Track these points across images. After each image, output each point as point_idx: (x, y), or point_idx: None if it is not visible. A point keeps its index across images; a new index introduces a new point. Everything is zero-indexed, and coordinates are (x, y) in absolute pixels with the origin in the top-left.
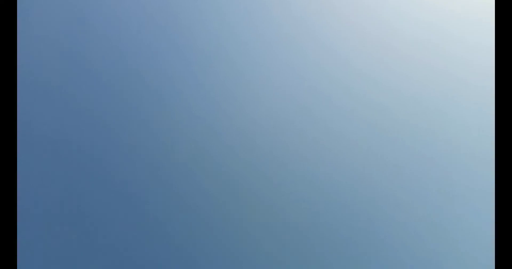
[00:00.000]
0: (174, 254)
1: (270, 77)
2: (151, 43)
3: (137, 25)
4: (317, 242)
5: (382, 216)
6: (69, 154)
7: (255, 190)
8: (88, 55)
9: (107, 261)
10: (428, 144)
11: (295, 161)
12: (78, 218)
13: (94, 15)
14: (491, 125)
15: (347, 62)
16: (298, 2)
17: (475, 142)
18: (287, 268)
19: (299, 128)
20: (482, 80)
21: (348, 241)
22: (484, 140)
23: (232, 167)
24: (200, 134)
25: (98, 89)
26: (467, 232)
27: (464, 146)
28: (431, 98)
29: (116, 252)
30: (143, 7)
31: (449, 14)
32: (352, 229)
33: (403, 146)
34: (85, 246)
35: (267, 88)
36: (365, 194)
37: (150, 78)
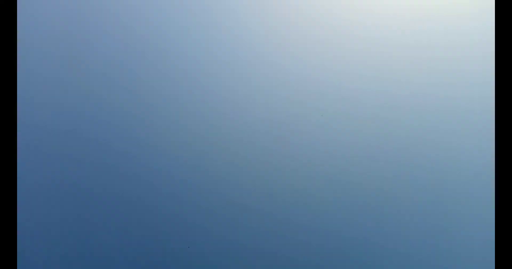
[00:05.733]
0: (173, 253)
1: (270, 78)
2: (151, 42)
3: (136, 25)
4: (317, 242)
5: (382, 216)
6: (69, 154)
7: (256, 190)
8: (87, 55)
9: (107, 261)
10: (428, 144)
11: (294, 161)
12: (78, 218)
13: (94, 14)
14: (491, 125)
15: (344, 62)
16: (298, 2)
17: (475, 142)
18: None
19: (300, 129)
20: (482, 80)
21: (348, 241)
22: (484, 140)
23: (234, 167)
24: (200, 135)
25: (97, 88)
26: (467, 232)
27: (464, 146)
28: (431, 98)
29: (116, 252)
30: (143, 7)
31: (449, 13)
32: (351, 229)
33: (403, 146)
34: (85, 246)
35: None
36: (365, 194)
37: (150, 77)
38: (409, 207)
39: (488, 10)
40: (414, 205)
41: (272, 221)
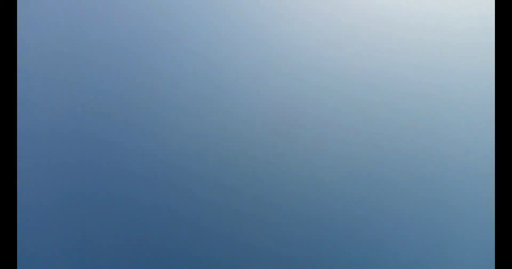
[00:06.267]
0: (172, 253)
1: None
2: (150, 42)
3: (136, 25)
4: (318, 242)
5: (382, 216)
6: (68, 154)
7: (256, 190)
8: (87, 55)
9: (106, 260)
10: (428, 144)
11: (295, 161)
12: (78, 217)
13: (94, 15)
14: (491, 125)
15: (345, 61)
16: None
17: (475, 142)
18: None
19: (301, 128)
20: (482, 80)
21: (348, 241)
22: (484, 140)
23: (234, 168)
24: (199, 135)
25: (97, 88)
26: (467, 232)
27: (464, 146)
28: (431, 98)
29: (116, 252)
30: (143, 7)
31: (450, 14)
32: (351, 229)
33: (403, 147)
34: (85, 245)
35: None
36: (365, 194)
37: (149, 77)
38: (409, 207)
39: (488, 10)
40: (414, 205)
41: (273, 220)
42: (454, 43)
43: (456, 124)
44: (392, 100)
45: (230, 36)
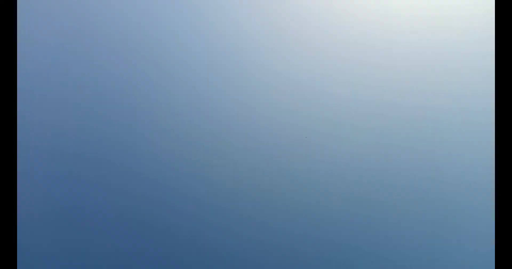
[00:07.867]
0: (171, 253)
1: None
2: (150, 43)
3: (137, 25)
4: (318, 241)
5: (382, 216)
6: (68, 154)
7: (255, 190)
8: (87, 55)
9: (106, 261)
10: (428, 145)
11: (296, 161)
12: (78, 218)
13: (94, 15)
14: (491, 125)
15: (346, 62)
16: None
17: (475, 142)
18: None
19: (303, 128)
20: (482, 80)
21: (349, 241)
22: (484, 140)
23: (234, 168)
24: (200, 136)
25: (97, 88)
26: (467, 232)
27: (464, 146)
28: (432, 98)
29: (116, 253)
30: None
31: (449, 14)
32: (352, 229)
33: (404, 146)
34: (85, 246)
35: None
36: (365, 195)
37: (149, 78)
38: (409, 209)
39: (488, 10)
40: (414, 207)
41: (270, 227)
42: (453, 43)
43: (455, 123)
44: (391, 99)
45: (222, 42)
